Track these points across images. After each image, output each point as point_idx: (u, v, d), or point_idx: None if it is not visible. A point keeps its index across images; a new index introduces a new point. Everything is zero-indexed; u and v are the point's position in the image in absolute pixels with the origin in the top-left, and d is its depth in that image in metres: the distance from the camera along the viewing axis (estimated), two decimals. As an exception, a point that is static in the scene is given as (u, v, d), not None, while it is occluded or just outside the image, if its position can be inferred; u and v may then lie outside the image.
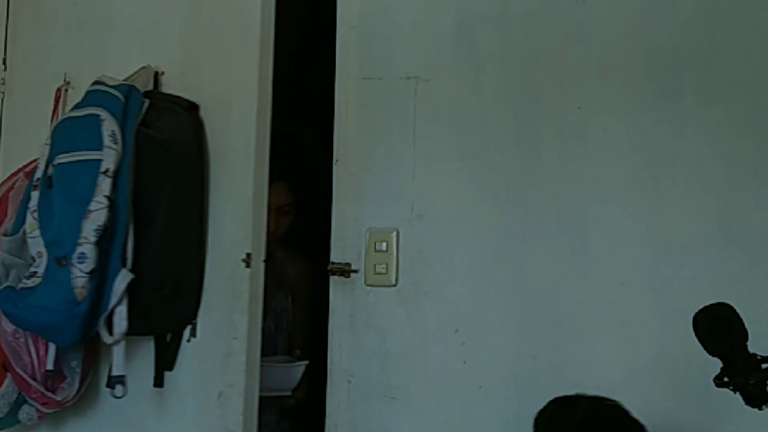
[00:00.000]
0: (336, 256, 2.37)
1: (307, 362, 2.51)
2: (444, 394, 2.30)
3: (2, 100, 2.49)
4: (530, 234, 2.30)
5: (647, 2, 2.32)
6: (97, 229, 2.10)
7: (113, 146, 2.15)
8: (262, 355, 2.54)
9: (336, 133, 2.40)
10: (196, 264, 2.33)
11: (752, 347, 1.74)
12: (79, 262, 2.09)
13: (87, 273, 2.09)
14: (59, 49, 2.53)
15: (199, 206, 2.33)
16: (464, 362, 2.29)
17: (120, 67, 2.42)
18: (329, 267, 2.36)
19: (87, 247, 2.09)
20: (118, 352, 2.20)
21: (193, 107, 2.38)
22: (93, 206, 2.11)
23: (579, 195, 2.29)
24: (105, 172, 2.13)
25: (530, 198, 2.31)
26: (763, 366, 1.72)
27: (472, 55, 2.38)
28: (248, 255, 2.28)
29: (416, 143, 2.37)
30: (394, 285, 2.34)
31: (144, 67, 2.41)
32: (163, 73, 2.43)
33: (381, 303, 2.35)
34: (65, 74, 2.34)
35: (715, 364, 1.75)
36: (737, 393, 1.73)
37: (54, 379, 2.25)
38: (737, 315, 1.76)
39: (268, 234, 2.46)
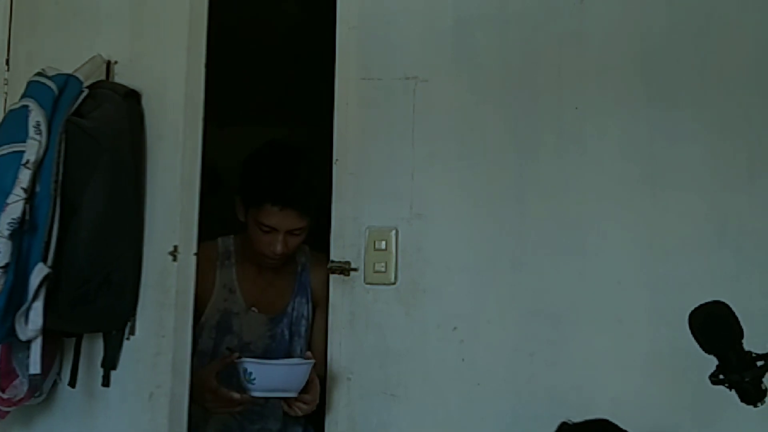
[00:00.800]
0: (336, 254, 2.38)
1: (313, 361, 2.35)
2: (443, 391, 2.32)
3: (5, 100, 2.49)
4: (528, 233, 2.32)
5: (643, 4, 2.35)
6: (11, 222, 2.03)
7: (36, 137, 2.10)
8: None
9: (335, 132, 2.41)
10: (129, 257, 2.25)
11: (747, 345, 1.75)
12: None
13: (0, 267, 2.01)
14: (48, 46, 2.52)
15: (132, 197, 2.26)
16: (462, 359, 2.31)
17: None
18: (329, 265, 2.38)
19: (0, 241, 2.03)
20: (34, 350, 2.11)
21: (131, 95, 2.31)
22: (11, 199, 2.06)
23: (576, 194, 2.31)
24: (26, 164, 2.08)
25: (528, 197, 2.33)
26: (758, 363, 1.74)
27: (471, 55, 2.40)
28: (175, 248, 2.24)
29: (415, 143, 2.38)
30: (393, 283, 2.36)
31: (93, 57, 2.37)
32: (116, 62, 2.39)
33: (380, 301, 2.36)
34: (42, 70, 2.33)
35: (711, 362, 1.76)
36: (733, 390, 1.75)
37: None
38: (732, 313, 1.78)
39: (279, 254, 2.50)
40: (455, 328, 2.32)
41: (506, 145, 2.36)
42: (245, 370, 2.29)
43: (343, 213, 2.40)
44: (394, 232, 2.37)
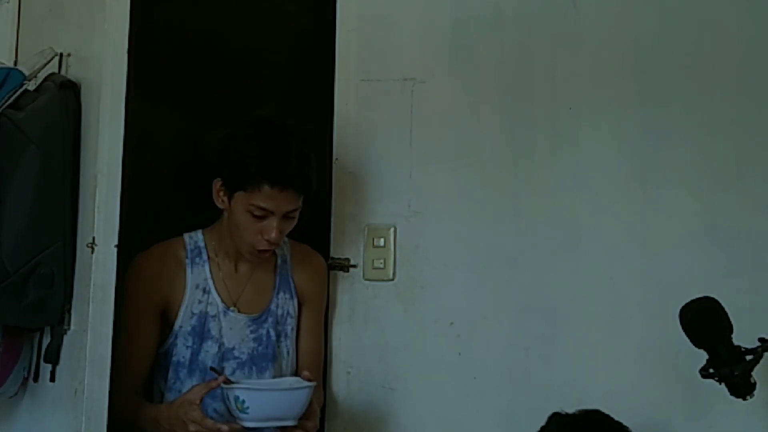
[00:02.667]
0: (335, 251, 2.43)
1: (313, 384, 2.12)
2: (440, 385, 2.36)
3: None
4: (523, 230, 2.36)
5: (636, 6, 2.38)
6: None
7: None
8: (258, 367, 2.31)
9: (335, 132, 2.45)
10: (58, 249, 2.16)
11: (736, 339, 1.81)
12: None
13: None
14: (42, 44, 2.53)
15: (61, 188, 2.19)
16: (459, 354, 2.35)
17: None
18: (329, 262, 2.42)
19: None
20: None
21: (66, 85, 2.25)
22: None
23: (570, 193, 2.35)
24: None
25: (523, 195, 2.37)
26: (747, 357, 1.78)
27: (467, 57, 2.43)
28: (93, 239, 2.17)
29: (413, 143, 2.42)
30: (392, 279, 2.40)
31: (42, 49, 2.31)
32: (69, 54, 2.33)
33: (379, 297, 2.40)
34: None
35: (701, 356, 1.82)
36: (722, 384, 1.80)
37: None
38: (722, 308, 1.82)
39: (274, 242, 2.23)
40: (452, 323, 2.36)
41: (502, 144, 2.39)
42: (237, 397, 2.04)
43: (343, 211, 2.44)
44: (392, 229, 2.41)
